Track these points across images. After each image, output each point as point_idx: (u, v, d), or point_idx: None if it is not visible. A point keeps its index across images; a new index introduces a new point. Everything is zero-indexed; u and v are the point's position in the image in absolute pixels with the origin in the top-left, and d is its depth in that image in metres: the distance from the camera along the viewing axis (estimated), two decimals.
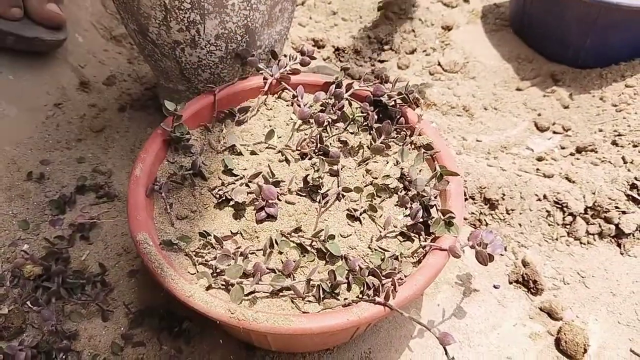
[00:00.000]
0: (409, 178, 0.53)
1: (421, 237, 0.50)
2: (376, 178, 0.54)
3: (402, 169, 0.54)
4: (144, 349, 0.56)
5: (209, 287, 0.45)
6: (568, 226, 0.68)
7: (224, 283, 0.46)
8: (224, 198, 0.51)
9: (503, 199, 0.69)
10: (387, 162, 0.56)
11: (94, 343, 0.56)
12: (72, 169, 0.72)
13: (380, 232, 0.50)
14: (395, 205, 0.53)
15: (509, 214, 0.68)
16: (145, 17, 0.58)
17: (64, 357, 0.54)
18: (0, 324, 0.55)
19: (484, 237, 0.47)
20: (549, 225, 0.68)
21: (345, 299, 0.45)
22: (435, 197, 0.51)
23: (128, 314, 0.58)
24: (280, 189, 0.52)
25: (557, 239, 0.67)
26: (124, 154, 0.75)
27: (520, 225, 0.68)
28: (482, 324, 0.60)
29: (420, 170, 0.54)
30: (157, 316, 0.58)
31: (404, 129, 0.58)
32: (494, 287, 0.63)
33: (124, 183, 0.71)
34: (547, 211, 0.68)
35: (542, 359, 0.57)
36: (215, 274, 0.46)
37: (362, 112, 0.59)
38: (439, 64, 0.89)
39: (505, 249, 0.66)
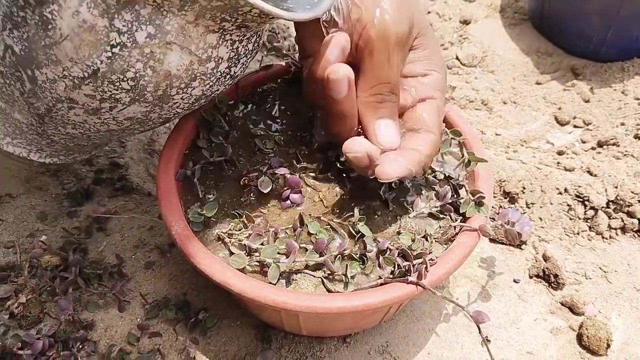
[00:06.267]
0: (437, 162, 0.52)
1: (451, 218, 0.50)
2: None
3: None
4: (160, 339, 0.56)
5: (242, 268, 0.46)
6: (589, 220, 0.66)
7: (258, 263, 0.46)
8: (250, 186, 0.51)
9: (523, 193, 0.68)
10: None
11: (110, 333, 0.56)
12: (90, 162, 0.72)
13: (410, 214, 0.50)
14: (423, 187, 0.52)
15: (529, 207, 0.67)
16: (50, 55, 0.41)
17: (80, 346, 0.54)
18: (18, 313, 0.55)
19: (510, 215, 0.47)
20: (570, 219, 0.66)
21: (380, 277, 0.46)
22: (464, 179, 0.51)
23: (144, 305, 0.58)
24: (306, 175, 0.52)
25: (578, 233, 0.66)
26: (141, 147, 0.75)
27: (540, 219, 0.67)
28: (502, 319, 0.59)
29: (447, 154, 0.54)
30: (174, 307, 0.57)
31: None
32: (514, 281, 0.62)
33: (141, 176, 0.72)
34: (568, 205, 0.67)
35: (564, 354, 0.56)
36: (248, 254, 0.47)
37: None
38: (457, 58, 0.88)
39: (526, 243, 0.65)
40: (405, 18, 0.44)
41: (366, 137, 0.46)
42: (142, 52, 0.40)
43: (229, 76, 0.46)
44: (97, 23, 0.38)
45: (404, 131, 0.49)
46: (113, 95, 0.42)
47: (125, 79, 0.41)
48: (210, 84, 0.45)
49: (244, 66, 0.48)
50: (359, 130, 0.48)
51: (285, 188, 0.51)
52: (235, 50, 0.44)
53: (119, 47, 0.39)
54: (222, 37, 0.42)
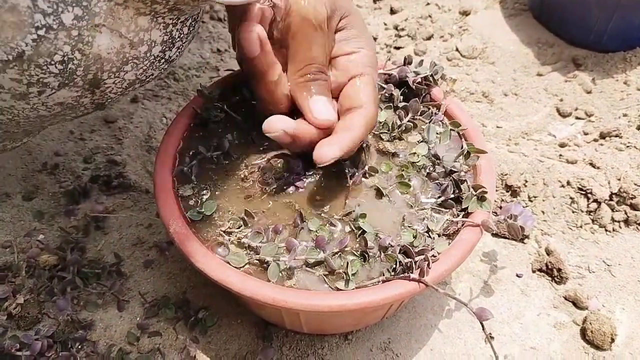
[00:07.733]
0: (436, 155, 0.51)
1: (453, 213, 0.49)
2: (403, 157, 0.53)
3: (430, 147, 0.53)
4: (160, 338, 0.55)
5: (242, 267, 0.45)
6: (592, 213, 0.66)
7: (258, 261, 0.45)
8: (249, 181, 0.51)
9: (525, 186, 0.67)
10: (414, 140, 0.54)
11: (109, 333, 0.56)
12: (87, 160, 0.71)
13: (411, 209, 0.49)
14: (424, 182, 0.51)
15: (531, 201, 0.66)
16: None
17: (79, 346, 0.53)
18: (16, 314, 0.55)
19: (513, 209, 0.46)
20: (573, 212, 0.66)
21: (382, 273, 0.45)
22: (466, 173, 0.50)
23: (144, 304, 0.58)
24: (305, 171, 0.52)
25: (581, 227, 0.65)
26: (138, 144, 0.74)
27: (543, 212, 0.66)
28: (505, 314, 0.58)
29: (448, 148, 0.53)
30: (173, 306, 0.57)
31: (430, 107, 0.56)
32: (517, 276, 0.61)
33: (139, 173, 0.71)
34: (571, 198, 0.66)
35: (567, 349, 0.56)
36: (248, 252, 0.46)
37: (386, 93, 0.57)
38: (457, 50, 0.87)
39: (529, 237, 0.64)
40: (325, 2, 0.46)
41: (304, 118, 0.48)
42: (69, 35, 0.37)
43: (163, 60, 0.45)
44: (19, 3, 0.35)
45: (339, 110, 0.50)
46: (41, 80, 0.39)
47: (52, 62, 0.38)
48: (144, 68, 0.44)
49: (179, 50, 0.46)
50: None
51: (286, 175, 0.50)
52: (169, 33, 0.43)
53: (44, 29, 0.36)
54: (154, 20, 0.41)
